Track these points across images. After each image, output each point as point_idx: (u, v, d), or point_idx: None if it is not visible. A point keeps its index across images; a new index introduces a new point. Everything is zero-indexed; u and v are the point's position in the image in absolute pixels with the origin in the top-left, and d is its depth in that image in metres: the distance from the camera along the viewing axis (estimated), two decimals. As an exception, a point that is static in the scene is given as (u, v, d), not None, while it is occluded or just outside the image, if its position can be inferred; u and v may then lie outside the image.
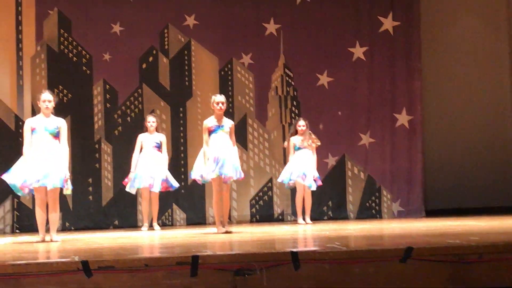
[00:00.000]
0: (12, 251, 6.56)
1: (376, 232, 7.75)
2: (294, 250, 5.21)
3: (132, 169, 9.62)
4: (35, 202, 7.78)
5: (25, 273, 4.92)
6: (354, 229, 8.39)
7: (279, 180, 10.21)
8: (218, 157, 8.00)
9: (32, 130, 7.64)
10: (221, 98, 8.16)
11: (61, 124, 7.73)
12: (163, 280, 5.01)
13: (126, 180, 9.70)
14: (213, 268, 5.06)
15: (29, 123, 7.74)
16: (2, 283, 4.89)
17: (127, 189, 9.70)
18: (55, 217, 7.63)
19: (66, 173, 7.59)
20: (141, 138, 9.73)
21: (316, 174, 10.03)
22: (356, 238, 7.05)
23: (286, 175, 10.00)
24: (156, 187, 9.60)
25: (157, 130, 9.84)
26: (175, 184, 9.73)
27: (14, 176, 7.63)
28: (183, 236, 7.99)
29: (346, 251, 5.23)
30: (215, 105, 8.12)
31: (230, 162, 8.07)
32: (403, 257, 5.17)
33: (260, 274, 5.06)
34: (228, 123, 8.16)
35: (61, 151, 7.64)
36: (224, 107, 8.13)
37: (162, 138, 9.79)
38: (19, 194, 7.83)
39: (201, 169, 8.18)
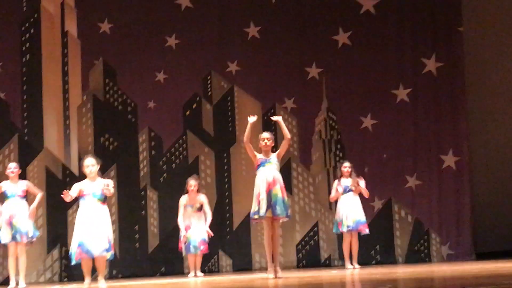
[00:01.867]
0: None
1: (426, 275, 7.59)
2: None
3: (183, 231, 9.59)
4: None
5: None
6: (403, 272, 8.24)
7: (334, 231, 10.06)
8: (269, 195, 7.92)
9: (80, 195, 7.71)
10: (266, 134, 8.16)
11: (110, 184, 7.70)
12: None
13: (180, 245, 9.68)
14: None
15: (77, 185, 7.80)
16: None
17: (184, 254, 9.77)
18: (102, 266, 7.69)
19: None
20: (183, 201, 9.69)
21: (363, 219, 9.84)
22: (406, 280, 6.90)
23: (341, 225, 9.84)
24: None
25: (198, 191, 9.79)
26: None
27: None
28: (231, 282, 7.92)
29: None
30: (261, 141, 8.15)
31: (280, 200, 7.99)
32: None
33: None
34: (274, 157, 8.11)
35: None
36: (270, 143, 8.12)
37: (202, 198, 9.75)
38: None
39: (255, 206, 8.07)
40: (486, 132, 11.62)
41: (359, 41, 11.18)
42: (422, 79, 11.21)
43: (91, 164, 7.72)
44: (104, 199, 7.67)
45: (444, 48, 11.23)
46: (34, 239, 9.09)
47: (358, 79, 11.15)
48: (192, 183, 9.70)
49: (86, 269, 7.64)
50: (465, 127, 11.21)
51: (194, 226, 9.60)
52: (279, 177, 8.06)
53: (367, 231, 9.85)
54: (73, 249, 7.58)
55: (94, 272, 9.06)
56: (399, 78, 11.21)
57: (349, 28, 11.16)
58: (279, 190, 7.99)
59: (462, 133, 11.20)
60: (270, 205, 7.90)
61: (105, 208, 7.69)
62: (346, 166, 9.97)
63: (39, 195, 9.10)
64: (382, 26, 11.21)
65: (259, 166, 8.08)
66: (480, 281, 6.03)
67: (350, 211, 9.82)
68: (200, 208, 9.68)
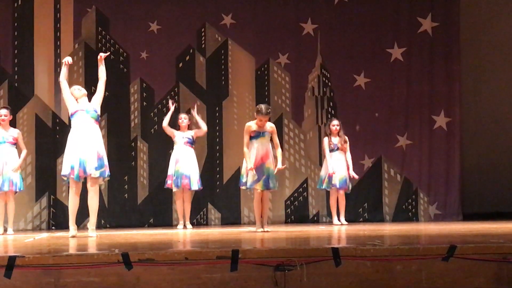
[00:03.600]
0: (51, 244, 6.58)
1: (414, 233, 7.65)
2: (335, 246, 5.14)
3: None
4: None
5: (65, 265, 4.91)
6: (391, 229, 8.30)
7: (318, 187, 10.24)
8: (261, 168, 8.04)
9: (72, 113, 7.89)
10: (265, 115, 8.09)
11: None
12: (203, 274, 4.97)
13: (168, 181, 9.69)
14: (253, 263, 5.01)
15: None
16: (43, 275, 4.89)
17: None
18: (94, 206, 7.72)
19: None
20: (174, 133, 9.74)
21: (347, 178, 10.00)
22: (394, 237, 6.96)
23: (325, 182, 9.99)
24: (194, 186, 9.63)
25: (189, 128, 9.87)
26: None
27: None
28: (220, 234, 7.97)
29: (388, 249, 5.15)
30: (258, 118, 8.11)
31: (273, 175, 8.16)
32: (446, 255, 5.09)
33: (300, 270, 4.99)
34: (268, 128, 8.18)
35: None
36: (266, 121, 8.16)
37: (192, 132, 9.81)
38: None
39: (243, 177, 8.23)
40: (478, 95, 11.64)
41: (355, -3, 11.09)
42: (417, 38, 11.15)
43: (77, 88, 7.92)
44: (97, 119, 7.74)
45: (440, 8, 11.16)
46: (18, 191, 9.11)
47: (353, 36, 11.08)
48: (183, 116, 9.82)
49: (73, 194, 7.63)
50: (458, 88, 11.19)
51: (185, 161, 9.60)
52: (271, 150, 8.23)
53: (348, 191, 10.09)
54: (66, 167, 7.64)
55: (81, 220, 9.14)
56: (394, 36, 11.15)
57: (346, -16, 11.06)
58: (271, 164, 8.17)
59: (455, 95, 11.18)
60: (262, 178, 8.09)
61: (98, 128, 7.79)
62: (335, 124, 10.09)
63: (24, 152, 9.09)
64: (379, -17, 11.11)
65: (252, 137, 8.14)
66: (467, 239, 6.09)
67: (337, 170, 9.95)
68: (192, 142, 9.72)
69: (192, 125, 10.10)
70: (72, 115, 7.84)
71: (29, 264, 4.89)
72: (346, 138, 10.15)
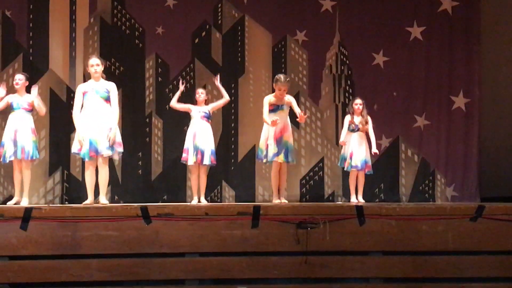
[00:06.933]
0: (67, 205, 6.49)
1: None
2: (360, 204, 5.01)
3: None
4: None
5: (83, 217, 4.81)
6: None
7: (340, 165, 9.94)
8: (280, 142, 8.01)
9: (84, 94, 8.05)
10: (284, 83, 8.07)
11: (111, 88, 8.13)
12: (223, 230, 4.86)
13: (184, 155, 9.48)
14: (275, 220, 4.90)
15: (81, 88, 8.22)
16: (60, 227, 4.78)
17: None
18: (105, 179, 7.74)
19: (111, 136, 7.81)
20: (191, 108, 9.50)
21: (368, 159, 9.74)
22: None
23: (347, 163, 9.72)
24: (206, 160, 9.43)
25: (206, 102, 9.63)
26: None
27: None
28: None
29: (414, 208, 5.03)
30: (277, 88, 8.08)
31: (291, 148, 8.24)
32: (474, 215, 4.95)
33: (323, 228, 4.88)
34: (286, 101, 8.16)
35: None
36: (286, 92, 8.12)
37: (209, 107, 9.55)
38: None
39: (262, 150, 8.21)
40: (499, 75, 11.43)
41: (375, -26, 10.93)
42: (437, 17, 10.97)
43: (95, 64, 8.00)
44: (108, 98, 7.78)
45: (460, -13, 11.00)
46: (35, 159, 8.95)
47: (372, 14, 10.90)
48: (200, 91, 9.53)
49: (89, 171, 7.61)
50: (478, 69, 11.02)
51: (201, 135, 9.36)
52: (289, 124, 8.28)
53: (371, 171, 9.76)
54: (76, 145, 7.85)
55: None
56: (413, 15, 10.96)
57: (365, -39, 10.90)
58: (290, 137, 8.25)
59: (474, 75, 11.01)
60: (281, 152, 8.14)
61: (108, 107, 7.86)
62: (357, 103, 9.75)
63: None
64: (399, -39, 10.95)
65: (270, 111, 8.09)
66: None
67: (357, 150, 9.66)
68: (209, 117, 9.47)
69: (209, 101, 9.86)
70: (83, 95, 7.99)
71: (46, 216, 4.79)
72: (369, 118, 9.76)
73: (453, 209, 4.99)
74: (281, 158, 8.10)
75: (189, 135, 9.40)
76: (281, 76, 8.02)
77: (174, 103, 9.48)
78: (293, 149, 8.19)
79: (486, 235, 4.94)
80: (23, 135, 8.64)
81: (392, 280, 5.08)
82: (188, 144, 9.34)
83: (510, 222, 4.94)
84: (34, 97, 8.70)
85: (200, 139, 9.33)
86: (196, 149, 9.31)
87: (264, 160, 8.38)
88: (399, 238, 4.91)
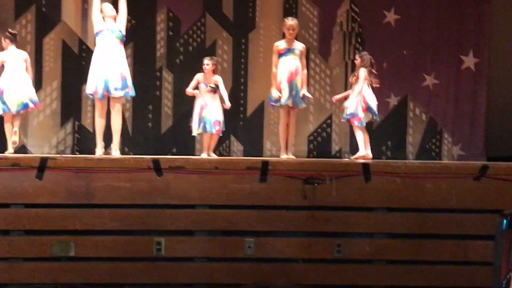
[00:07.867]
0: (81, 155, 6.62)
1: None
2: (366, 161, 5.13)
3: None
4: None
5: (96, 168, 4.95)
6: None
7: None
8: (291, 84, 8.07)
9: (99, 32, 8.22)
10: (292, 22, 8.10)
11: None
12: (232, 184, 5.00)
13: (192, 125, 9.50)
14: (282, 175, 5.02)
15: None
16: (74, 178, 4.93)
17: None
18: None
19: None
20: (198, 77, 9.50)
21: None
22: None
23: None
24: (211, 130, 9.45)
25: (214, 72, 9.62)
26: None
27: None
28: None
29: (419, 166, 5.15)
30: (286, 30, 8.12)
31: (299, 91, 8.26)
32: (478, 175, 5.06)
33: (329, 184, 5.00)
34: (299, 46, 8.20)
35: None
36: (295, 32, 8.13)
37: (217, 78, 9.52)
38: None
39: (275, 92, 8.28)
40: (508, 35, 11.40)
41: None
42: (448, -24, 10.97)
43: (110, 8, 8.23)
44: (122, 39, 7.84)
45: None
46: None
47: (384, -29, 10.90)
48: (206, 61, 9.54)
49: (99, 115, 7.74)
50: (488, 29, 11.01)
51: (209, 106, 9.45)
52: (300, 67, 8.26)
53: (355, 123, 9.13)
54: (91, 86, 7.95)
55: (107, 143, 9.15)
56: (425, -28, 10.96)
57: None
58: (299, 81, 8.21)
59: (484, 35, 11.01)
60: (291, 95, 8.13)
61: (122, 49, 8.01)
62: (356, 57, 9.65)
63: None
64: None
65: (281, 55, 8.16)
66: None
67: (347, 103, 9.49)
68: (215, 90, 9.50)
69: (217, 72, 9.77)
70: (97, 33, 8.00)
71: (61, 166, 4.92)
72: (361, 71, 9.26)
73: (457, 168, 5.11)
74: (290, 101, 8.17)
75: (197, 107, 9.42)
76: (289, 18, 8.17)
77: (188, 89, 9.36)
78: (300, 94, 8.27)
79: (489, 194, 5.06)
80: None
81: (396, 235, 5.23)
82: (196, 115, 9.39)
83: (513, 182, 5.05)
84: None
85: (207, 111, 9.35)
86: (205, 120, 9.35)
87: (278, 104, 8.40)
88: (403, 195, 5.04)
